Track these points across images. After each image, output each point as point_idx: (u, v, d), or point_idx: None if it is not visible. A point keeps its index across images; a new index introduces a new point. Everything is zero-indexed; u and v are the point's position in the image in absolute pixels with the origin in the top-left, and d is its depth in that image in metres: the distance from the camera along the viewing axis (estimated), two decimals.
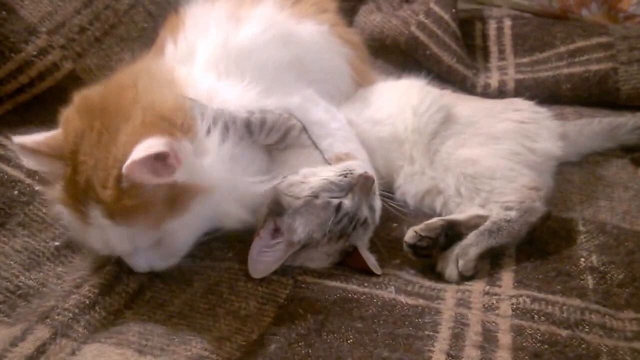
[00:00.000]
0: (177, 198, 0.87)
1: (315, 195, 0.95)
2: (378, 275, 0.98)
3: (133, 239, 0.88)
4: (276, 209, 0.96)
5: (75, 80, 1.29)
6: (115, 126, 0.87)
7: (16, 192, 1.07)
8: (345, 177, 0.98)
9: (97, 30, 1.35)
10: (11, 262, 0.97)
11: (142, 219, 0.86)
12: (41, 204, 1.06)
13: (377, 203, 1.04)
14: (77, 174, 0.87)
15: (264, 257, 0.93)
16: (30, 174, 1.11)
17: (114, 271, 0.97)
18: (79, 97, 0.96)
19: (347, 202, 0.95)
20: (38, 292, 0.94)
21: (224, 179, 0.92)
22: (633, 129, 1.25)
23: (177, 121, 0.89)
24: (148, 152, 0.80)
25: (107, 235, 0.88)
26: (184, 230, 0.91)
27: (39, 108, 1.27)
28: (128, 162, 0.79)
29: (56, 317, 0.87)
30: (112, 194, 0.83)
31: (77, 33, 1.31)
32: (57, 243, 1.02)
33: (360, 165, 1.02)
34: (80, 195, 0.87)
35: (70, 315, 0.87)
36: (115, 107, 0.90)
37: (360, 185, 0.97)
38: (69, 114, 0.93)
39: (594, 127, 1.26)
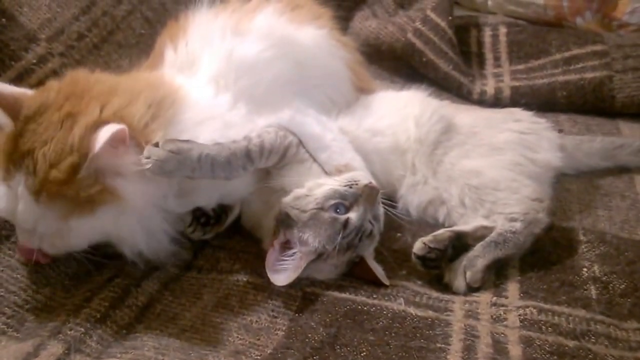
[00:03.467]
0: (93, 197, 0.89)
1: (321, 207, 0.96)
2: (386, 286, 0.99)
3: (39, 220, 0.90)
4: (285, 221, 0.96)
5: None
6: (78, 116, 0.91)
7: None
8: (351, 187, 0.98)
9: (95, 37, 1.34)
10: (18, 276, 0.97)
11: (59, 208, 0.89)
12: None
13: (381, 212, 1.05)
14: (22, 137, 0.90)
15: (283, 266, 0.94)
16: None
17: (122, 284, 0.97)
18: (70, 76, 1.00)
19: (353, 217, 0.96)
20: (46, 305, 0.93)
21: (142, 204, 0.94)
22: (637, 151, 1.27)
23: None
24: (111, 132, 0.86)
25: (17, 203, 0.89)
26: (82, 230, 0.92)
27: None
28: (99, 145, 0.85)
29: (68, 332, 0.87)
30: (59, 178, 0.87)
31: (75, 40, 1.30)
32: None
33: (364, 175, 1.03)
34: (15, 157, 0.89)
35: (82, 330, 0.87)
36: (91, 100, 0.93)
37: (366, 195, 0.98)
38: (52, 85, 0.97)
39: (594, 144, 1.28)
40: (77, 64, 1.28)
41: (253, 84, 1.10)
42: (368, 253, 1.01)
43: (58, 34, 1.27)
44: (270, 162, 1.03)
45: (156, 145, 0.91)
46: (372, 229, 0.99)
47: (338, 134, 1.14)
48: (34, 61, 1.22)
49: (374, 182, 1.01)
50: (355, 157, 1.12)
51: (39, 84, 1.22)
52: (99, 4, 1.34)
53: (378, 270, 1.00)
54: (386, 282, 0.99)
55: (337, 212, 0.96)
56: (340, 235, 0.94)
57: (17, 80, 1.20)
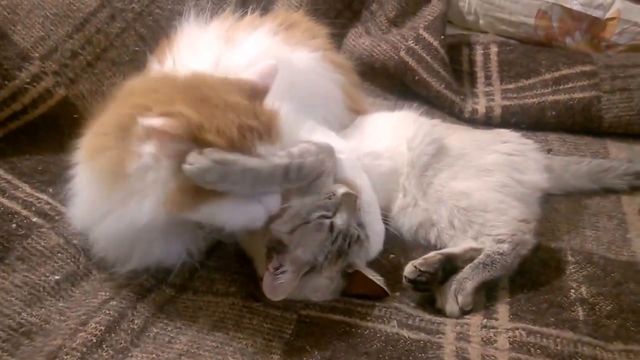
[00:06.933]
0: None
1: (307, 221, 0.98)
2: (386, 295, 1.00)
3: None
4: (277, 247, 0.97)
5: (67, 107, 1.29)
6: None
7: (14, 225, 1.06)
8: (330, 198, 1.01)
9: (89, 55, 1.34)
10: (12, 299, 0.96)
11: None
12: (39, 236, 1.06)
13: (375, 229, 1.07)
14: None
15: (278, 282, 0.95)
16: (27, 205, 1.10)
17: (118, 306, 0.97)
18: None
19: (338, 221, 0.99)
20: (41, 329, 0.93)
21: None
22: (623, 175, 1.29)
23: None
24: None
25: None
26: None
27: (31, 135, 1.26)
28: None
29: (65, 357, 0.86)
30: None
31: (69, 58, 1.31)
32: (57, 277, 1.01)
33: (341, 186, 1.04)
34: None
35: (79, 354, 0.87)
36: None
37: (345, 202, 1.01)
38: None
39: (581, 167, 1.30)
40: (70, 82, 1.30)
41: None
42: (360, 262, 1.03)
43: (52, 52, 1.28)
44: (300, 184, 1.00)
45: (200, 153, 0.87)
46: (359, 235, 1.01)
47: (345, 149, 1.15)
48: (28, 80, 1.23)
49: (349, 190, 1.03)
50: (360, 176, 1.13)
51: (33, 103, 1.24)
52: (93, 22, 1.35)
53: (376, 277, 1.01)
54: (387, 289, 1.01)
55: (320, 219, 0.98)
56: (329, 241, 0.96)
57: (11, 100, 1.22)
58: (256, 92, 0.95)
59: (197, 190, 0.88)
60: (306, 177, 0.98)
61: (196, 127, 0.86)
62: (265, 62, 0.98)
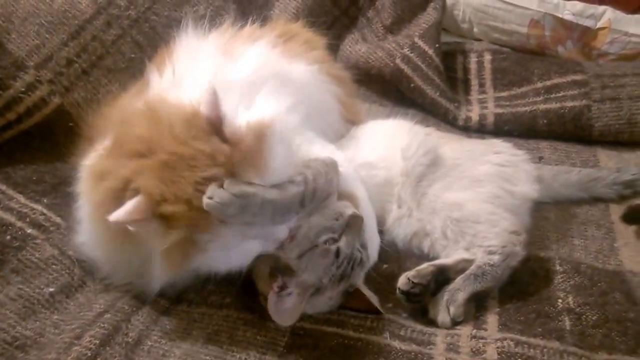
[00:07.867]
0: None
1: (315, 244, 0.98)
2: (380, 314, 1.01)
3: None
4: (283, 269, 0.97)
5: (62, 115, 1.28)
6: None
7: (8, 237, 1.06)
8: (337, 220, 1.01)
9: (84, 62, 1.33)
10: (7, 312, 0.96)
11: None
12: (34, 248, 1.06)
13: (371, 240, 1.07)
14: None
15: (285, 306, 0.95)
16: (21, 216, 1.10)
17: (112, 320, 0.97)
18: None
19: (343, 245, 0.99)
20: (36, 342, 0.93)
21: None
22: (612, 184, 1.31)
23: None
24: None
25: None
26: None
27: (25, 144, 1.26)
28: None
29: None
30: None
31: (64, 66, 1.29)
32: (51, 289, 1.01)
33: (348, 205, 1.05)
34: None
35: None
36: None
37: (351, 225, 1.01)
38: None
39: (570, 176, 1.32)
40: (65, 91, 1.29)
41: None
42: (360, 281, 1.04)
43: (47, 61, 1.27)
44: (312, 206, 1.00)
45: (220, 186, 0.86)
46: (362, 257, 1.01)
47: (343, 162, 1.15)
48: (23, 89, 1.22)
49: (357, 212, 1.03)
50: (358, 188, 1.14)
51: (28, 112, 1.23)
52: (88, 29, 1.34)
53: (373, 298, 1.03)
54: (381, 309, 1.02)
55: (327, 244, 0.98)
56: (334, 266, 0.97)
57: (6, 110, 1.21)
58: (212, 126, 0.90)
59: (186, 243, 0.88)
60: (318, 200, 0.99)
61: (157, 203, 0.86)
62: (205, 89, 0.91)
